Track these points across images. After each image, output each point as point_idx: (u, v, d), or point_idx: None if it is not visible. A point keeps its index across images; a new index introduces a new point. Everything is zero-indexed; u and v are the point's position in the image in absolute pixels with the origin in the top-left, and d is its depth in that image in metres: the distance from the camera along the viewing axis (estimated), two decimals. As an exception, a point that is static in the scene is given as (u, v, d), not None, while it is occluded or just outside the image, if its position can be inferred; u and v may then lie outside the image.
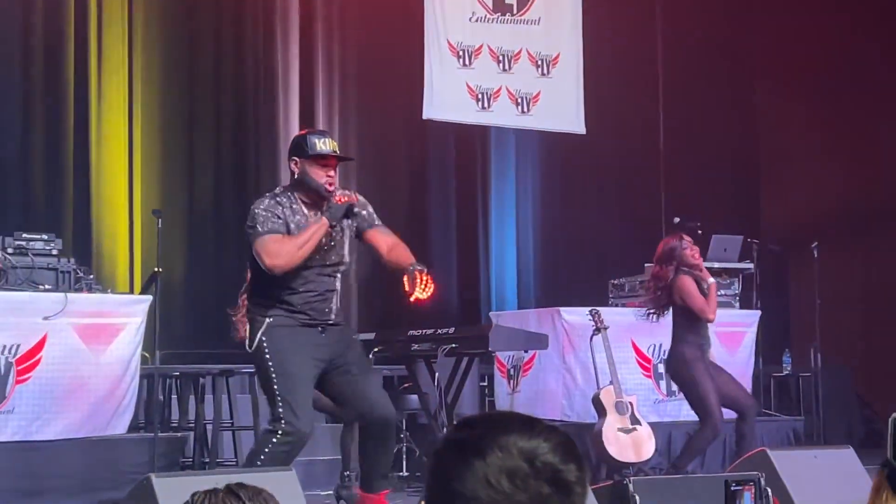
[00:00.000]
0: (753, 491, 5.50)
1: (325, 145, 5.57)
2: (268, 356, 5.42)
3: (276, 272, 5.40)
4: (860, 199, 12.87)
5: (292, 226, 5.48)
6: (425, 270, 5.63)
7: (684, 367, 7.80)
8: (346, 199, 5.54)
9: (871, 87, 12.95)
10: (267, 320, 5.45)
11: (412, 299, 5.60)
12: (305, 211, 5.54)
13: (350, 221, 5.63)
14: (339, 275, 5.64)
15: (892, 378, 11.81)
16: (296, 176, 5.59)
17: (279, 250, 5.37)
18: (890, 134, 12.86)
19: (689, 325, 7.81)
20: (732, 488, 5.44)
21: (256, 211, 5.49)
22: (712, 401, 7.67)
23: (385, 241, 5.68)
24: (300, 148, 5.60)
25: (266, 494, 2.29)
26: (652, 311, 7.99)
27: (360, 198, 5.73)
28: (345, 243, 5.65)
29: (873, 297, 12.66)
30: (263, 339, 5.43)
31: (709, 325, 7.86)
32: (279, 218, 5.46)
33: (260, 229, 5.42)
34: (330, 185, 5.54)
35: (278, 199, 5.55)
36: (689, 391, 7.86)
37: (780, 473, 6.41)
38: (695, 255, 7.91)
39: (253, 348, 5.48)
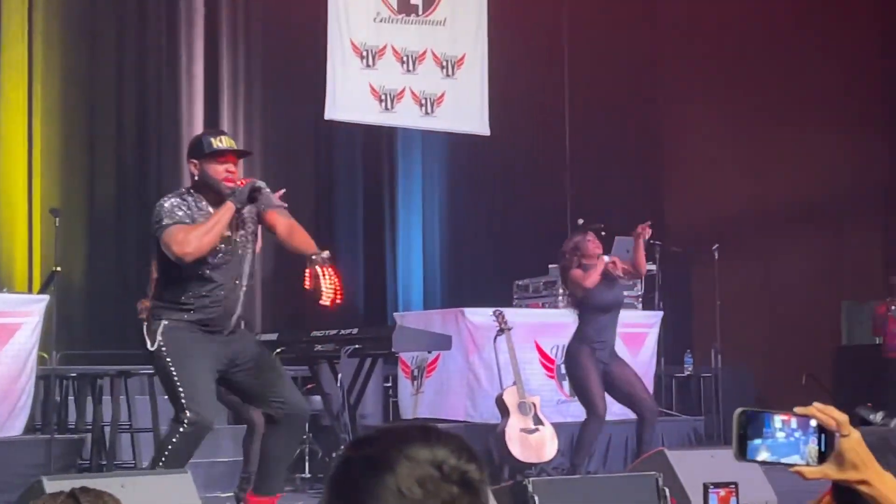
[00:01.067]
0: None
1: (220, 142, 5.52)
2: (166, 355, 5.38)
3: (186, 260, 5.34)
4: (760, 203, 13.07)
5: (196, 215, 5.44)
6: (328, 261, 5.61)
7: (571, 359, 7.98)
8: (243, 182, 5.49)
9: (771, 93, 13.16)
10: (164, 322, 5.39)
11: (321, 302, 5.59)
12: (210, 210, 5.49)
13: (255, 208, 5.57)
14: (243, 286, 5.59)
15: (791, 378, 12.00)
16: (195, 177, 5.53)
17: (187, 237, 5.32)
18: (789, 138, 13.08)
19: (585, 318, 7.92)
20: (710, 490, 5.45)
21: (162, 206, 5.44)
22: (595, 393, 7.81)
23: (283, 222, 5.63)
24: (197, 149, 5.56)
25: (107, 497, 2.26)
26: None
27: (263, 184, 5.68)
28: (248, 253, 5.59)
29: (772, 299, 12.86)
30: (161, 339, 5.38)
31: (611, 322, 7.91)
32: (184, 211, 5.42)
33: (167, 222, 5.36)
34: (230, 180, 5.48)
35: (183, 197, 5.50)
36: (574, 382, 8.06)
37: (678, 473, 6.47)
38: (596, 248, 8.01)
39: (153, 349, 5.42)
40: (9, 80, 10.01)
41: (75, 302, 9.89)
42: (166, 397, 5.63)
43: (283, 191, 5.54)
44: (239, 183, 5.49)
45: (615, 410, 8.24)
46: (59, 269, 8.10)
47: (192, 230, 5.34)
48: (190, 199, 5.49)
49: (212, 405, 5.44)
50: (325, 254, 5.70)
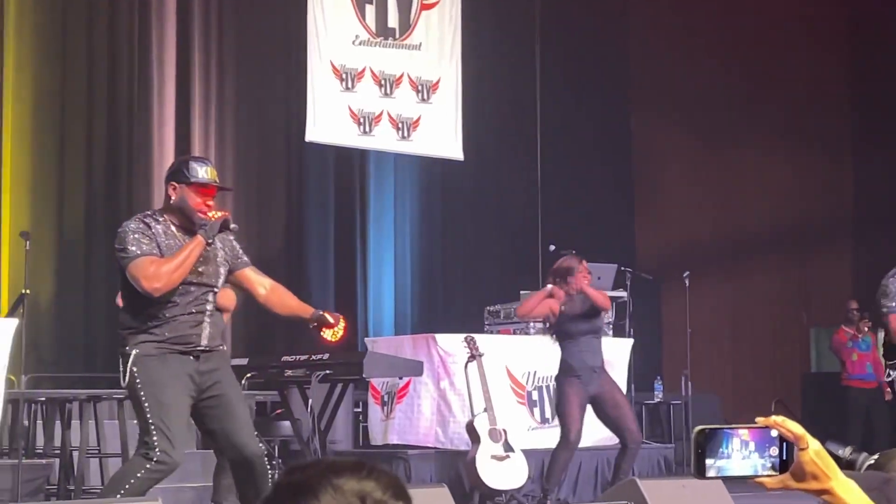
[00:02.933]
0: None
1: (206, 174, 5.48)
2: (139, 386, 5.30)
3: (154, 295, 5.30)
4: (730, 231, 13.14)
5: (163, 248, 5.39)
6: (326, 315, 5.64)
7: (557, 388, 8.02)
8: (218, 215, 5.46)
9: (742, 123, 13.25)
10: (134, 351, 5.34)
11: (330, 339, 5.62)
12: (177, 234, 5.46)
13: (225, 235, 5.56)
14: (210, 297, 5.54)
15: (759, 405, 12.03)
16: (172, 201, 5.49)
17: (157, 272, 5.26)
18: (759, 166, 13.17)
19: (561, 346, 7.96)
20: None
21: (126, 232, 5.36)
22: (572, 420, 7.83)
23: (260, 281, 5.63)
24: (180, 173, 5.49)
25: None
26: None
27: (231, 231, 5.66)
28: (218, 264, 5.56)
29: (741, 326, 12.91)
30: (134, 369, 5.32)
31: (588, 347, 7.93)
32: (150, 239, 5.37)
33: (133, 252, 5.30)
34: (203, 212, 5.46)
35: (147, 220, 5.44)
36: (557, 407, 8.10)
37: (649, 503, 6.48)
38: (584, 280, 8.02)
39: (126, 381, 5.36)
40: (-21, 101, 9.97)
41: (44, 325, 9.83)
42: (136, 423, 5.58)
43: (229, 216, 5.53)
44: (210, 216, 5.45)
45: (589, 438, 8.23)
46: (27, 291, 8.05)
47: (162, 264, 5.28)
48: (156, 223, 5.44)
49: (182, 446, 5.35)
50: (321, 312, 5.68)
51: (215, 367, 5.52)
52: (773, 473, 1.92)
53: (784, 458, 1.92)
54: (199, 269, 5.44)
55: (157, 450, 5.21)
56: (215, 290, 5.53)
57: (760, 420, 1.93)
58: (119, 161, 10.66)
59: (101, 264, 10.26)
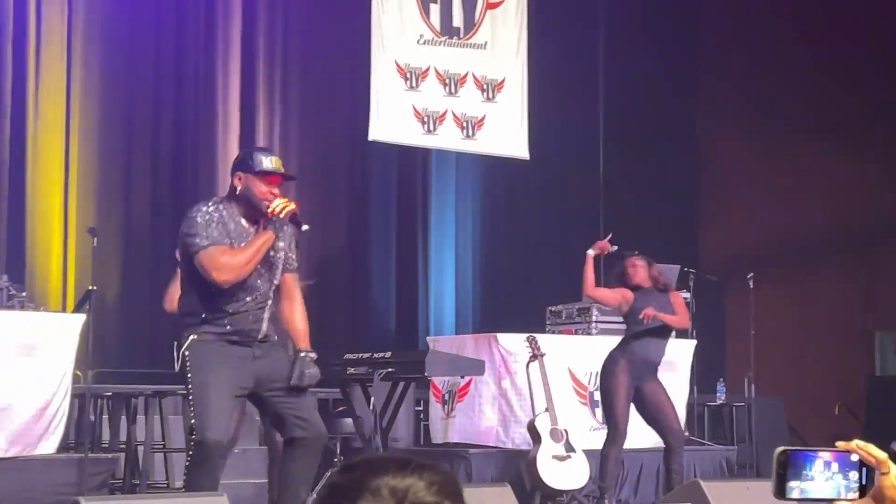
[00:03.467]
0: None
1: (271, 163, 5.53)
2: (188, 368, 5.35)
3: (223, 287, 5.33)
4: (795, 232, 13.01)
5: (232, 236, 5.42)
6: (313, 359, 5.61)
7: (604, 369, 7.98)
8: (283, 207, 5.47)
9: (809, 123, 13.12)
10: (192, 336, 5.38)
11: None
12: (244, 223, 5.49)
13: (294, 229, 5.60)
14: (272, 294, 5.57)
15: (823, 409, 11.93)
16: (238, 190, 5.51)
17: (227, 263, 5.30)
18: (824, 166, 13.03)
19: (628, 329, 7.94)
20: None
21: (196, 218, 5.39)
22: (619, 410, 7.80)
23: (292, 292, 5.66)
24: (245, 163, 5.54)
25: None
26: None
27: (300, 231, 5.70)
28: (280, 260, 5.59)
29: (806, 329, 12.79)
30: (187, 353, 5.37)
31: (648, 336, 7.88)
32: (222, 226, 5.39)
33: (204, 241, 5.33)
34: (269, 202, 5.49)
35: (217, 208, 5.47)
36: (602, 394, 8.06)
37: (712, 504, 6.44)
38: (635, 276, 8.00)
39: (179, 365, 5.41)
40: (46, 100, 10.08)
41: (110, 321, 9.93)
42: None
43: (296, 207, 5.55)
44: (273, 209, 5.46)
45: (650, 438, 8.18)
46: (94, 287, 8.13)
47: (234, 256, 5.33)
48: (224, 210, 5.47)
49: (221, 426, 5.35)
50: (302, 355, 5.65)
51: (273, 356, 5.54)
52: (855, 497, 1.91)
53: (863, 482, 1.91)
54: (264, 266, 5.48)
55: (194, 432, 5.26)
56: (276, 285, 5.57)
57: (841, 444, 1.92)
58: (184, 158, 10.75)
59: (167, 260, 10.32)
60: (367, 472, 1.68)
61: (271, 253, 5.50)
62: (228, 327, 5.40)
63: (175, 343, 5.47)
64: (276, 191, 5.52)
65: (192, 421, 5.31)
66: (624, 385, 7.80)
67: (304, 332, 5.71)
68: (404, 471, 1.68)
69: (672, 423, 7.92)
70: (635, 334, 7.91)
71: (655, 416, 7.87)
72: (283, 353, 5.70)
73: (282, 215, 5.44)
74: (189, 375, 5.34)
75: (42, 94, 10.05)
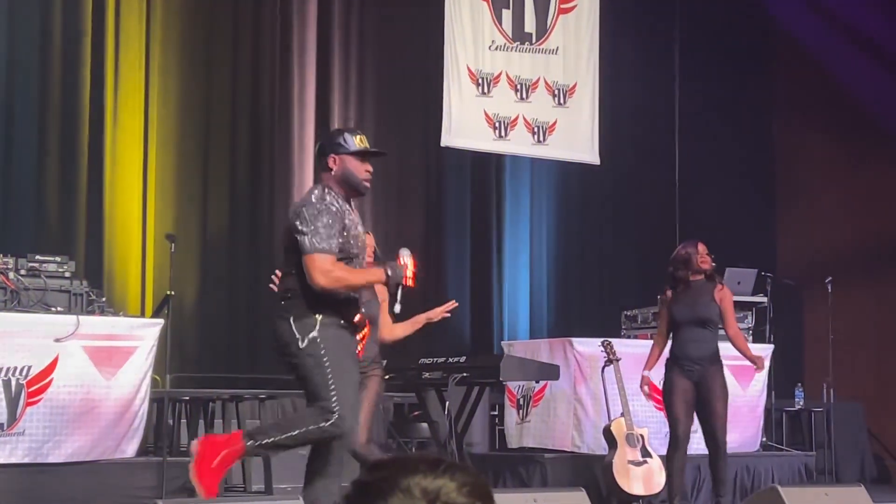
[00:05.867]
0: None
1: (362, 142, 5.54)
2: (323, 351, 5.33)
3: (317, 289, 5.35)
4: (875, 237, 12.84)
5: (348, 227, 5.42)
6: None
7: (663, 380, 7.87)
8: (410, 272, 5.49)
9: (888, 126, 12.94)
10: (319, 317, 5.38)
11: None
12: (353, 214, 5.52)
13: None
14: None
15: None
16: (333, 172, 5.47)
17: (331, 274, 5.28)
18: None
19: (677, 325, 7.81)
20: None
21: (321, 215, 5.33)
22: (676, 415, 7.69)
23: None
24: (338, 145, 5.50)
25: None
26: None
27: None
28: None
29: (886, 334, 12.61)
30: (316, 335, 5.36)
31: (693, 337, 7.78)
32: (338, 220, 5.36)
33: (316, 244, 5.29)
34: (368, 181, 5.53)
35: (328, 197, 5.39)
36: (663, 398, 7.94)
37: (791, 510, 6.36)
38: (705, 264, 7.88)
39: (304, 345, 5.38)
40: (125, 107, 10.21)
41: (188, 326, 10.03)
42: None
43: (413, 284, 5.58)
44: (405, 265, 5.50)
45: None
46: (172, 293, 8.22)
47: (339, 270, 5.31)
48: (335, 202, 5.40)
49: (356, 418, 5.43)
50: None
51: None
52: None
53: None
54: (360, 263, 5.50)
55: (335, 414, 5.26)
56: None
57: None
58: (261, 165, 10.83)
59: (244, 266, 10.45)
60: (398, 472, 1.67)
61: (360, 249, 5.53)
62: (343, 317, 5.41)
63: (293, 322, 5.40)
64: (370, 168, 5.53)
65: (334, 402, 5.25)
66: (678, 388, 7.67)
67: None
68: (436, 471, 1.67)
69: (716, 430, 7.67)
70: (674, 336, 7.83)
71: (704, 417, 7.74)
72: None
73: (408, 282, 5.48)
74: (325, 359, 5.30)
75: (121, 101, 10.18)
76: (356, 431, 5.44)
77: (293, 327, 5.36)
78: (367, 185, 5.52)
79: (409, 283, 5.49)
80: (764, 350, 9.95)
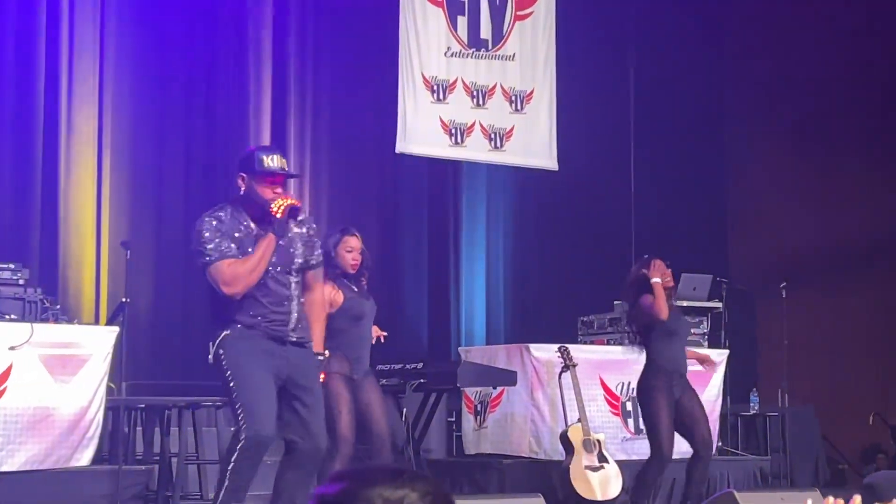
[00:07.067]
0: None
1: (272, 162, 5.47)
2: (225, 365, 5.35)
3: (235, 298, 5.36)
4: (828, 239, 12.94)
5: (237, 241, 5.42)
6: (319, 362, 5.69)
7: (644, 393, 7.79)
8: (284, 207, 5.45)
9: (839, 132, 13.06)
10: (224, 332, 5.38)
11: None
12: (251, 225, 5.47)
13: (301, 230, 5.61)
14: (292, 283, 5.56)
15: (857, 418, 11.85)
16: (242, 191, 5.50)
17: (234, 276, 5.32)
18: (857, 178, 12.96)
19: (653, 347, 7.75)
20: None
21: (200, 232, 5.40)
22: (664, 432, 7.64)
23: (309, 292, 5.70)
24: (248, 164, 5.51)
25: None
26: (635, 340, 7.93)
27: (313, 231, 5.72)
28: (294, 253, 5.59)
29: (839, 339, 12.71)
30: (220, 351, 5.37)
31: (680, 348, 7.81)
32: (225, 236, 5.39)
33: (212, 255, 5.36)
34: (273, 201, 5.47)
35: (218, 215, 5.46)
36: (644, 418, 7.90)
37: (747, 515, 6.41)
38: (668, 282, 7.85)
39: (211, 360, 5.42)
40: (79, 114, 10.14)
41: (143, 333, 9.97)
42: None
43: (299, 203, 5.54)
44: (279, 205, 5.44)
45: (682, 450, 8.14)
46: (127, 300, 8.18)
47: (239, 266, 5.33)
48: (226, 213, 5.45)
49: (271, 418, 5.39)
50: (323, 355, 5.76)
51: (303, 361, 5.53)
52: None
53: None
54: (275, 260, 5.46)
55: (244, 427, 5.25)
56: (294, 276, 5.55)
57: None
58: (216, 171, 10.78)
59: (199, 273, 10.38)
60: (360, 483, 1.66)
61: (280, 248, 5.47)
62: (259, 319, 5.41)
63: (210, 343, 5.46)
64: (279, 190, 5.48)
65: (240, 416, 5.28)
66: (665, 406, 7.63)
67: (316, 335, 5.74)
68: (397, 481, 1.67)
69: (704, 432, 7.78)
70: (659, 349, 7.76)
71: (690, 423, 7.78)
72: (313, 360, 5.70)
73: (279, 214, 5.42)
74: (228, 371, 5.32)
75: (74, 108, 10.12)
76: (271, 433, 5.39)
77: (210, 345, 5.41)
78: (273, 208, 5.44)
79: (277, 213, 5.41)
80: (719, 355, 10.03)
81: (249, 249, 5.41)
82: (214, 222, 5.42)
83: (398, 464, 7.83)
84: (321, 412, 5.66)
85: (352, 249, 7.17)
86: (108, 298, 9.92)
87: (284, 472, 5.59)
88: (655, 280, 7.64)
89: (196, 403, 7.95)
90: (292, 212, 5.48)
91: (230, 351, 5.36)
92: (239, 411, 5.29)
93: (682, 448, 8.06)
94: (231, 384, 5.33)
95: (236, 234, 5.42)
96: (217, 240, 5.36)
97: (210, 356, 5.43)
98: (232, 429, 5.65)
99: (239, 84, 10.93)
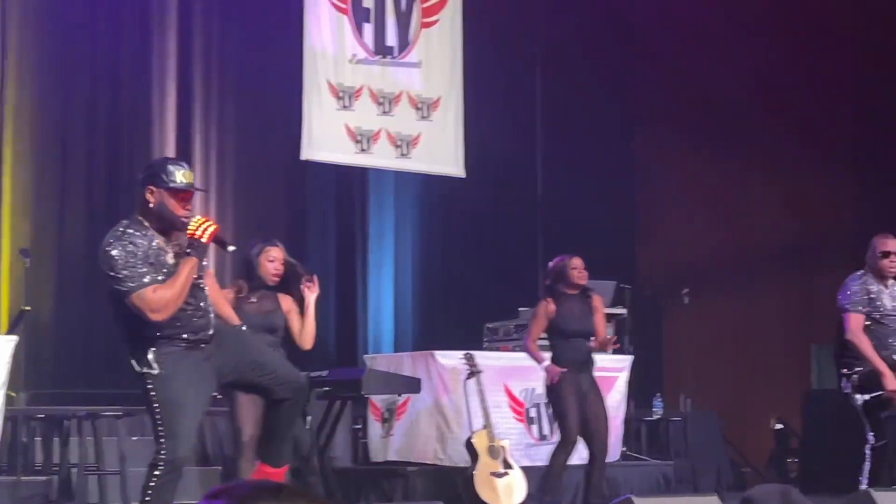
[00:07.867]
0: None
1: (184, 177, 5.34)
2: (150, 386, 5.27)
3: (162, 323, 5.26)
4: (733, 248, 13.12)
5: (151, 256, 5.29)
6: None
7: (550, 389, 7.94)
8: (204, 229, 5.38)
9: (744, 140, 13.25)
10: (152, 349, 5.28)
11: None
12: (159, 242, 5.35)
13: (224, 249, 5.63)
14: (205, 291, 5.51)
15: (759, 422, 12.02)
16: (150, 205, 5.31)
17: (160, 303, 5.16)
18: (760, 181, 13.16)
19: (556, 344, 7.96)
20: None
21: (114, 256, 5.19)
22: (570, 418, 7.79)
23: (210, 289, 5.69)
24: (158, 177, 5.31)
25: None
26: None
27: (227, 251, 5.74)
28: (204, 286, 5.58)
29: (742, 344, 12.89)
30: (145, 370, 5.28)
31: (583, 346, 7.93)
32: (141, 259, 5.26)
33: (133, 283, 5.17)
34: (187, 218, 5.40)
35: (129, 236, 5.25)
36: (553, 406, 8.07)
37: (647, 520, 6.46)
38: (581, 279, 8.01)
39: (141, 371, 5.32)
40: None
41: (44, 342, 9.84)
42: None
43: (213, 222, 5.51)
44: (193, 231, 5.38)
45: (583, 455, 8.21)
46: (28, 308, 8.07)
47: (166, 292, 5.20)
48: (134, 230, 5.27)
49: (189, 443, 5.35)
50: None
51: (225, 342, 5.49)
52: None
53: None
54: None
55: (162, 451, 5.20)
56: (202, 284, 5.50)
57: None
58: (119, 178, 10.66)
59: (102, 281, 10.25)
60: (240, 500, 1.63)
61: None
62: (181, 333, 5.32)
63: (134, 361, 5.34)
64: (189, 206, 5.40)
65: (161, 439, 5.22)
66: (571, 393, 7.79)
67: (226, 313, 5.90)
68: (276, 498, 1.64)
69: (602, 436, 7.90)
70: (560, 345, 7.94)
71: (593, 426, 7.87)
72: (228, 331, 5.68)
73: (204, 238, 5.35)
74: (152, 392, 5.25)
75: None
76: (188, 455, 5.37)
77: (134, 365, 5.32)
78: (186, 220, 5.36)
79: (203, 237, 5.35)
80: (623, 361, 10.13)
81: (164, 270, 5.28)
82: (130, 247, 5.22)
83: (302, 472, 7.81)
84: (277, 357, 5.81)
85: (273, 260, 7.14)
86: (10, 307, 9.76)
87: (272, 419, 5.63)
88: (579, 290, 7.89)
89: (96, 413, 7.85)
90: (217, 240, 5.42)
91: (159, 371, 5.26)
92: (161, 432, 5.23)
93: (583, 454, 8.14)
94: (156, 406, 5.25)
95: (150, 261, 5.27)
96: (133, 266, 5.19)
97: (137, 366, 5.30)
98: (134, 438, 5.60)
99: (143, 89, 10.83)
